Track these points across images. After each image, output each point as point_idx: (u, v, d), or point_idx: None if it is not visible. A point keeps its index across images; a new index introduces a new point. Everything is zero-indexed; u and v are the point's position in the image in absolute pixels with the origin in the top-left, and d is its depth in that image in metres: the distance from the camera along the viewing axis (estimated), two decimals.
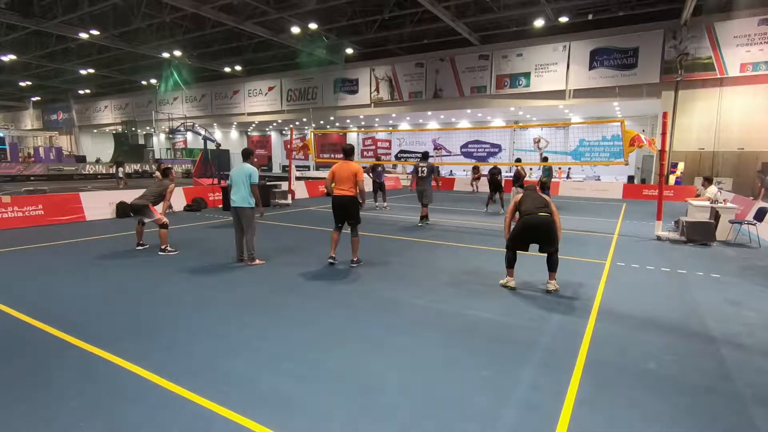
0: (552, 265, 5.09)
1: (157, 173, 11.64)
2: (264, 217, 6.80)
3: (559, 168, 26.33)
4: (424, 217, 10.31)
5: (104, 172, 31.05)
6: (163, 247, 6.96)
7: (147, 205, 6.96)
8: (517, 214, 5.25)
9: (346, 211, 6.17)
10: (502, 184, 13.32)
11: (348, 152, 6.39)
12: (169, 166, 7.67)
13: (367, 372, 3.16)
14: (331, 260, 6.33)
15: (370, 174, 13.43)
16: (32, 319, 4.10)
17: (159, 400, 2.76)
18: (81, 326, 3.93)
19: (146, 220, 7.22)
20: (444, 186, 22.30)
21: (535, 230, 4.99)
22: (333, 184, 6.19)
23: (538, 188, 5.67)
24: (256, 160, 6.81)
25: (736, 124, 17.66)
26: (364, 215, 11.40)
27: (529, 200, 5.18)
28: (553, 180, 16.97)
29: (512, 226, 5.27)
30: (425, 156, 10.84)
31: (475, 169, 22.16)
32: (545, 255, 5.12)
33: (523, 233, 5.04)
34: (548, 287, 5.11)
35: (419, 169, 10.38)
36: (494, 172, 13.20)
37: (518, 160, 13.45)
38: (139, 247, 7.26)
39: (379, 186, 13.41)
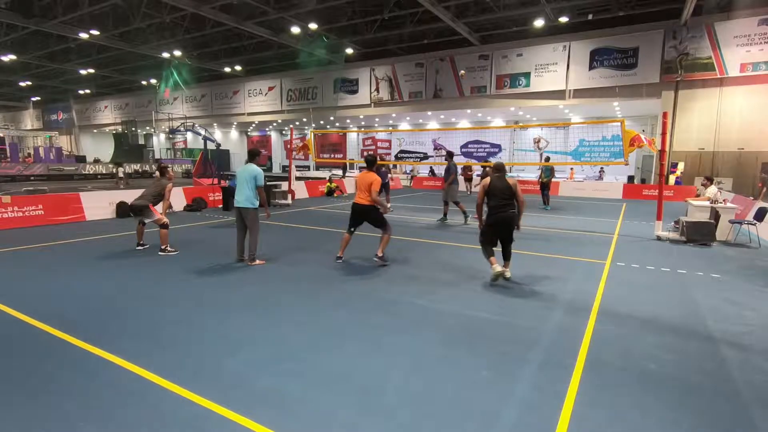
0: (508, 255, 5.61)
1: (157, 173, 11.71)
2: (268, 218, 6.78)
3: (572, 168, 26.20)
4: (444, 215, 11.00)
5: (104, 172, 31.08)
6: (163, 247, 6.98)
7: (147, 205, 6.97)
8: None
9: (365, 217, 6.36)
10: None
11: (369, 162, 6.50)
12: (167, 165, 7.61)
13: (367, 372, 3.16)
14: (338, 260, 6.50)
15: None
16: (32, 319, 4.10)
17: (159, 400, 2.76)
18: (81, 326, 3.93)
19: (147, 221, 7.23)
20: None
21: (502, 227, 5.49)
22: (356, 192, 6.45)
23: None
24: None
25: (736, 124, 17.66)
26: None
27: (497, 190, 5.45)
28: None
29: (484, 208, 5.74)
30: (451, 155, 11.41)
31: (467, 169, 22.09)
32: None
33: (492, 228, 5.53)
34: (506, 275, 5.51)
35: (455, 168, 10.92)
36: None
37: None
38: (139, 247, 7.26)
39: (383, 186, 13.33)
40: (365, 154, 33.95)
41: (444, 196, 10.84)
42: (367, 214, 6.30)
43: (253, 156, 6.46)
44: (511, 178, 5.54)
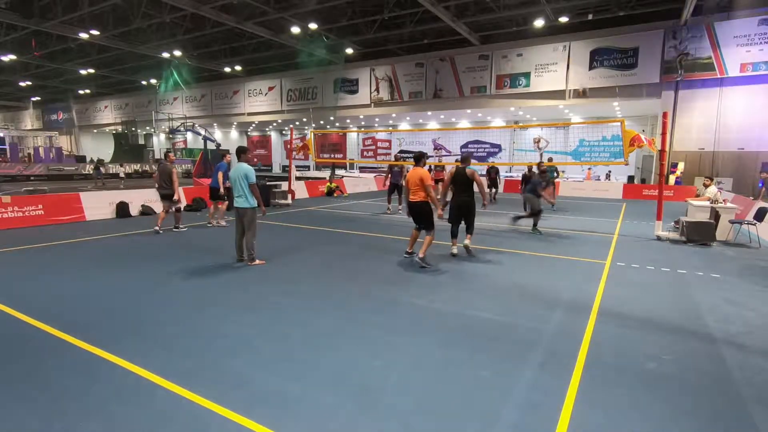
0: (470, 230, 7.02)
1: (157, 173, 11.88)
2: (264, 217, 6.78)
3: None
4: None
5: (104, 172, 31.08)
6: (179, 225, 8.91)
7: (173, 193, 8.61)
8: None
9: (419, 215, 6.44)
10: (497, 181, 15.97)
11: (416, 159, 6.54)
12: (168, 150, 9.38)
13: (367, 372, 3.16)
14: (406, 255, 6.79)
15: (389, 175, 12.91)
16: (32, 319, 4.10)
17: (159, 400, 2.77)
18: (81, 326, 3.93)
19: (175, 206, 8.77)
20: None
21: (462, 209, 6.84)
22: (409, 191, 6.45)
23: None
24: (256, 160, 6.90)
25: (736, 124, 17.66)
26: (375, 218, 11.42)
27: (457, 178, 6.85)
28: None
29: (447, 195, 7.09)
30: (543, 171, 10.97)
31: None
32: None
33: (455, 210, 6.90)
34: (465, 242, 6.96)
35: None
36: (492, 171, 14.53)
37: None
38: (176, 230, 8.81)
39: (396, 187, 12.71)
40: (365, 153, 33.87)
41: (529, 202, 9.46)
42: (422, 211, 6.39)
43: (239, 154, 6.37)
44: (470, 169, 6.75)
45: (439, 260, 6.65)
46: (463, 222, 6.96)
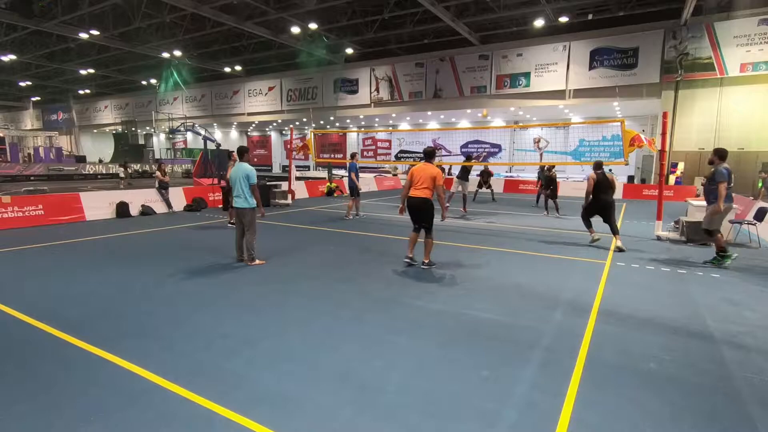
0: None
1: (158, 173, 11.90)
2: (264, 217, 6.78)
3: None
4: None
5: (104, 172, 31.11)
6: (232, 221, 9.06)
7: (229, 188, 8.98)
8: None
9: (420, 212, 6.04)
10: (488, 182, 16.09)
11: (429, 155, 6.16)
12: (231, 151, 9.88)
13: (367, 372, 3.16)
14: (407, 261, 6.22)
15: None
16: (32, 318, 4.10)
17: (159, 400, 2.76)
18: (81, 326, 3.93)
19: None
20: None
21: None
22: (410, 186, 6.03)
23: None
24: (255, 159, 6.91)
25: (736, 124, 17.67)
26: (375, 218, 11.42)
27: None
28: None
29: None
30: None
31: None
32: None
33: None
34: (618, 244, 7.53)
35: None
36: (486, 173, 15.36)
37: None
38: (230, 225, 9.28)
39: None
40: (365, 153, 33.81)
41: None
42: (423, 208, 5.97)
43: (241, 154, 6.39)
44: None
45: (438, 261, 6.65)
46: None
